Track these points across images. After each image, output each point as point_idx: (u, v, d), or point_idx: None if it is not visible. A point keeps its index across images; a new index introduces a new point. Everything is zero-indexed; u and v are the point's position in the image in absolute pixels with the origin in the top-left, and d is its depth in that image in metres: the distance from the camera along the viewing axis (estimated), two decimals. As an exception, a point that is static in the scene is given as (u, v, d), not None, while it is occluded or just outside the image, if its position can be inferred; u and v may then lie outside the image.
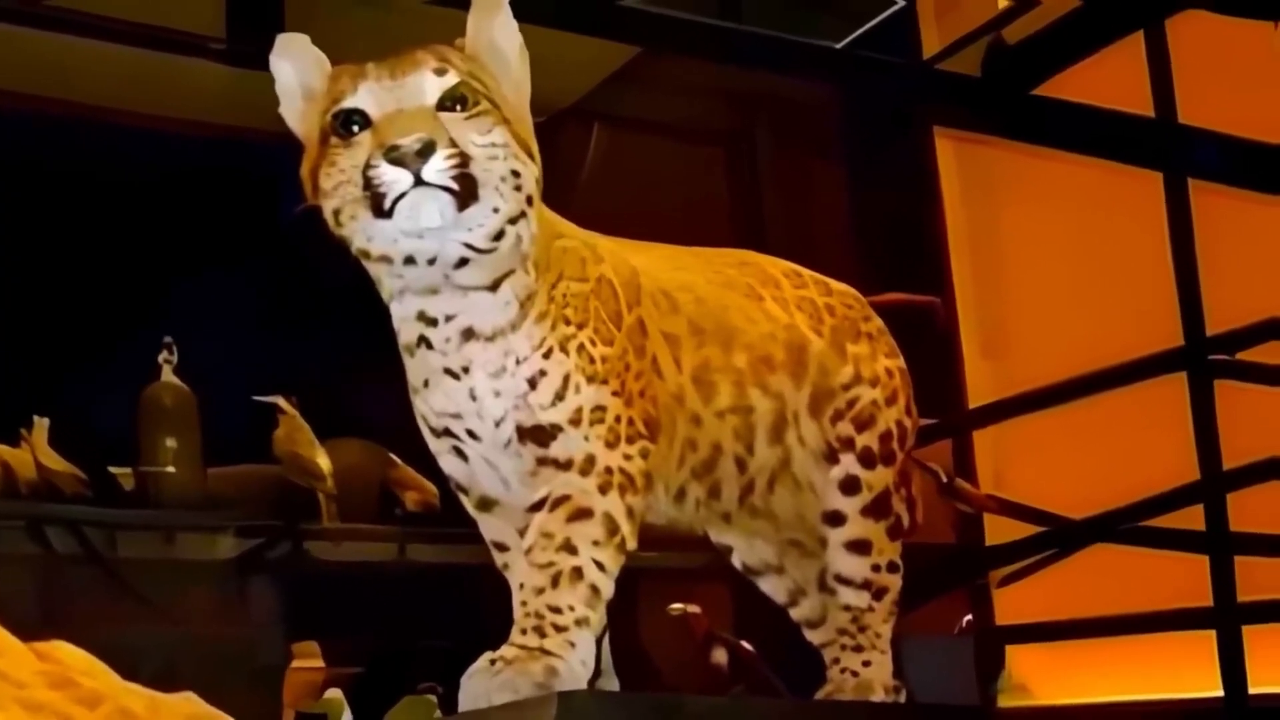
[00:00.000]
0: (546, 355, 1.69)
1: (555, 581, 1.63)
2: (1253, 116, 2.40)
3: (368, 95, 1.60)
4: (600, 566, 1.66)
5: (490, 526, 1.82)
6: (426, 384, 1.72)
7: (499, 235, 1.63)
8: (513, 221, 1.63)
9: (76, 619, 3.42)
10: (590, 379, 1.70)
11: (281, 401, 4.16)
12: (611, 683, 1.89)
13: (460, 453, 1.75)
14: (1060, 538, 2.80)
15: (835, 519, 1.98)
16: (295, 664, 3.60)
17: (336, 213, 1.62)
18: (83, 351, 4.33)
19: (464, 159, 1.57)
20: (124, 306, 4.41)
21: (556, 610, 1.62)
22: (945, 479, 2.74)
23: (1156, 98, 2.59)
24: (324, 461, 4.16)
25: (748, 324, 1.92)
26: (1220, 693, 2.41)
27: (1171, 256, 2.58)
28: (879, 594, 1.99)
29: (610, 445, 1.70)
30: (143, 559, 3.78)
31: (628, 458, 1.71)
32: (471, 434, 1.72)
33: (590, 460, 1.69)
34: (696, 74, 4.09)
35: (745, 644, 2.84)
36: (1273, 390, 2.48)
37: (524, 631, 1.62)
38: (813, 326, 1.98)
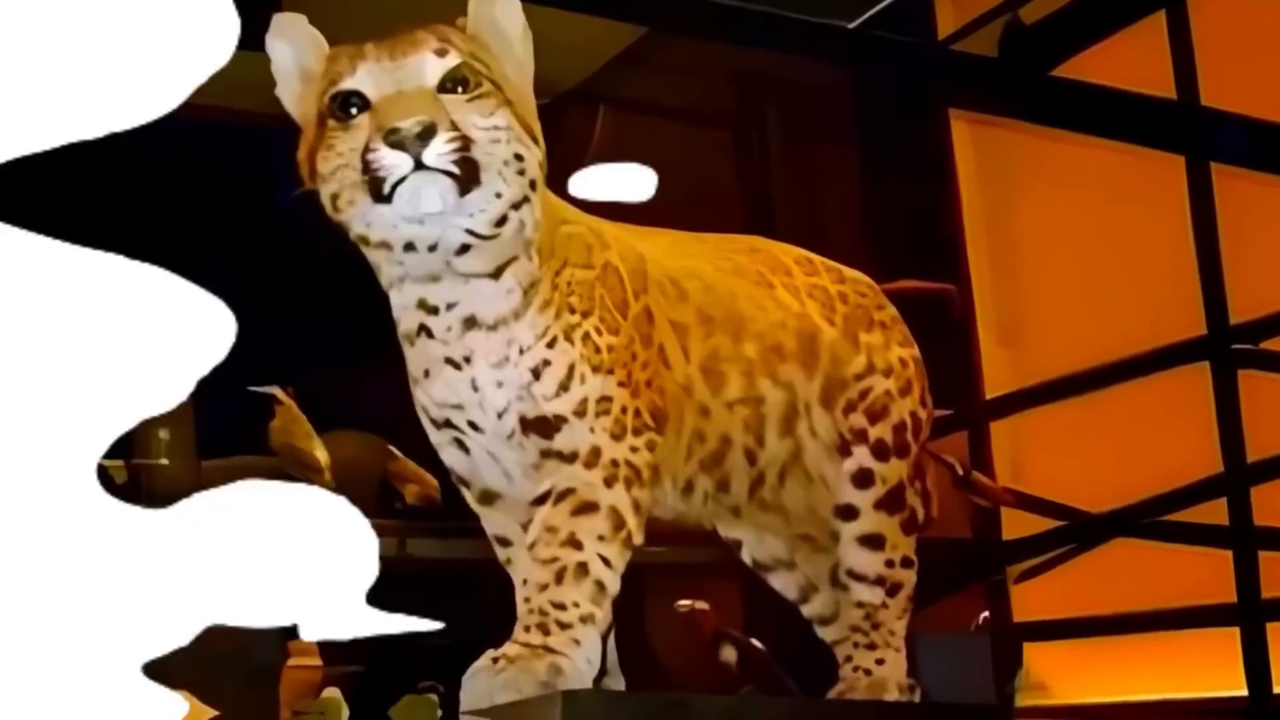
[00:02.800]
0: (550, 344, 1.65)
1: (559, 577, 1.60)
2: (1278, 98, 2.36)
3: (366, 77, 1.57)
4: (606, 562, 1.62)
5: (493, 521, 1.78)
6: (427, 374, 1.68)
7: (501, 221, 1.59)
8: (516, 207, 1.60)
9: (69, 615, 3.38)
10: (595, 369, 1.67)
11: (278, 392, 4.12)
12: (617, 682, 1.85)
13: (462, 445, 1.71)
14: (1079, 532, 2.80)
15: (848, 513, 1.94)
16: (292, 662, 3.55)
17: (334, 198, 1.58)
18: (75, 341, 4.28)
19: (465, 142, 1.54)
20: (117, 294, 4.37)
21: (561, 607, 1.59)
22: (961, 471, 2.72)
23: (1179, 79, 2.57)
24: (321, 454, 4.11)
25: (758, 312, 1.88)
26: (1244, 692, 2.40)
27: (1194, 243, 2.57)
28: (893, 590, 1.95)
29: (616, 437, 1.67)
30: (136, 553, 3.74)
31: (634, 450, 1.68)
32: (473, 425, 1.68)
33: (595, 452, 1.65)
34: (704, 55, 4.04)
35: (755, 642, 2.82)
36: (1298, 380, 2.46)
37: (527, 629, 1.59)
38: (825, 315, 1.95)
